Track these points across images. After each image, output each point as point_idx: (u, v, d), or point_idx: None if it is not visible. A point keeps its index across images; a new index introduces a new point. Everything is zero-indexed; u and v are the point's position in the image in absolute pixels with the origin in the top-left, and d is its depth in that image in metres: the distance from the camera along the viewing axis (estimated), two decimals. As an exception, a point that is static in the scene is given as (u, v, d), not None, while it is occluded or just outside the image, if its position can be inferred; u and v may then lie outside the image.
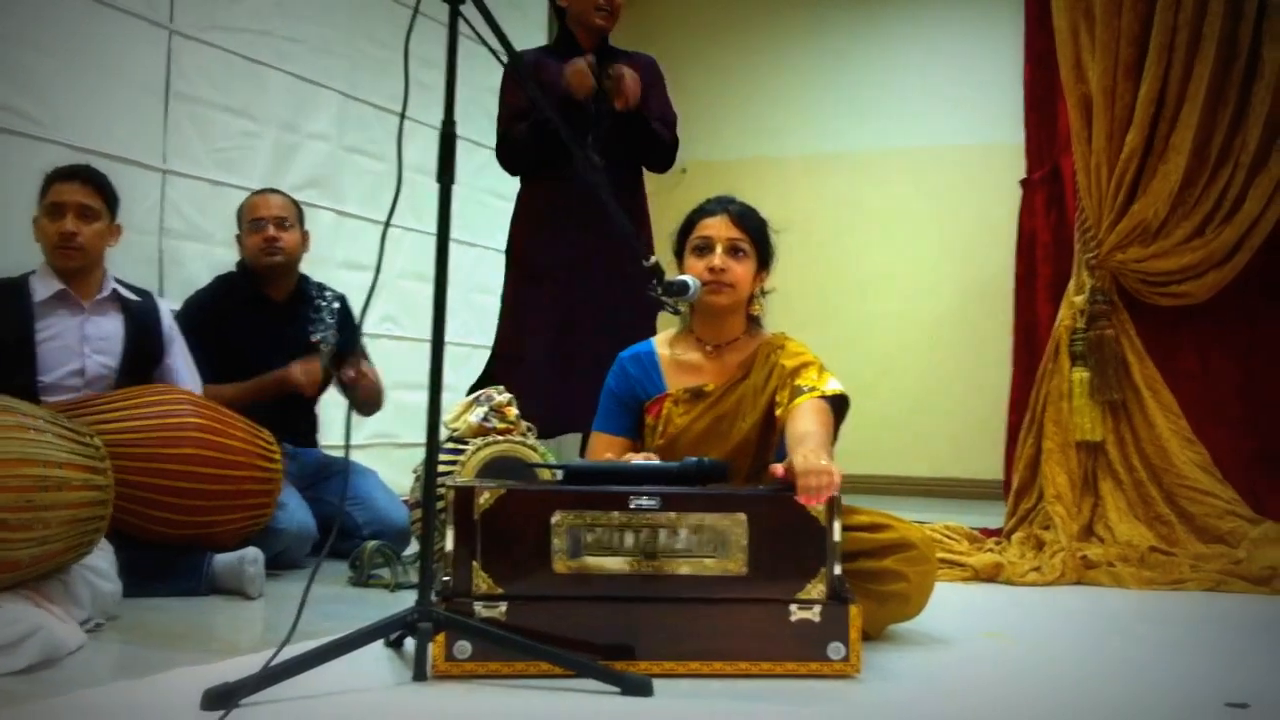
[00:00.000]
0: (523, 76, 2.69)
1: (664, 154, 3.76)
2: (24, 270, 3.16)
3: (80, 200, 3.08)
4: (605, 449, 2.69)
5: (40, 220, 3.11)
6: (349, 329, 3.69)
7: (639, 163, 3.79)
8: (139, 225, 4.09)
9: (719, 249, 2.62)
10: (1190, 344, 3.96)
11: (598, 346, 3.47)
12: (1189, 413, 3.86)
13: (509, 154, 3.74)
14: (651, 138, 3.68)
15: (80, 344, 3.10)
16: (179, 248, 4.27)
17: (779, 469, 2.22)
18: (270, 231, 3.65)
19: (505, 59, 2.30)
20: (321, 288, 3.70)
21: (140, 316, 3.23)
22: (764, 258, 2.70)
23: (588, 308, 3.63)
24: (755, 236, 2.67)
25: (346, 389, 3.61)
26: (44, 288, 3.10)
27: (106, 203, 3.15)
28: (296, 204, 3.83)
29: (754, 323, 2.76)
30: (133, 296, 3.25)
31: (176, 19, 4.26)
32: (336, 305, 3.63)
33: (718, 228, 2.65)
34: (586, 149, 3.36)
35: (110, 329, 3.16)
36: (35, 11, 3.74)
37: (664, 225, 2.79)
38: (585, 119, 3.54)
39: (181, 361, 3.31)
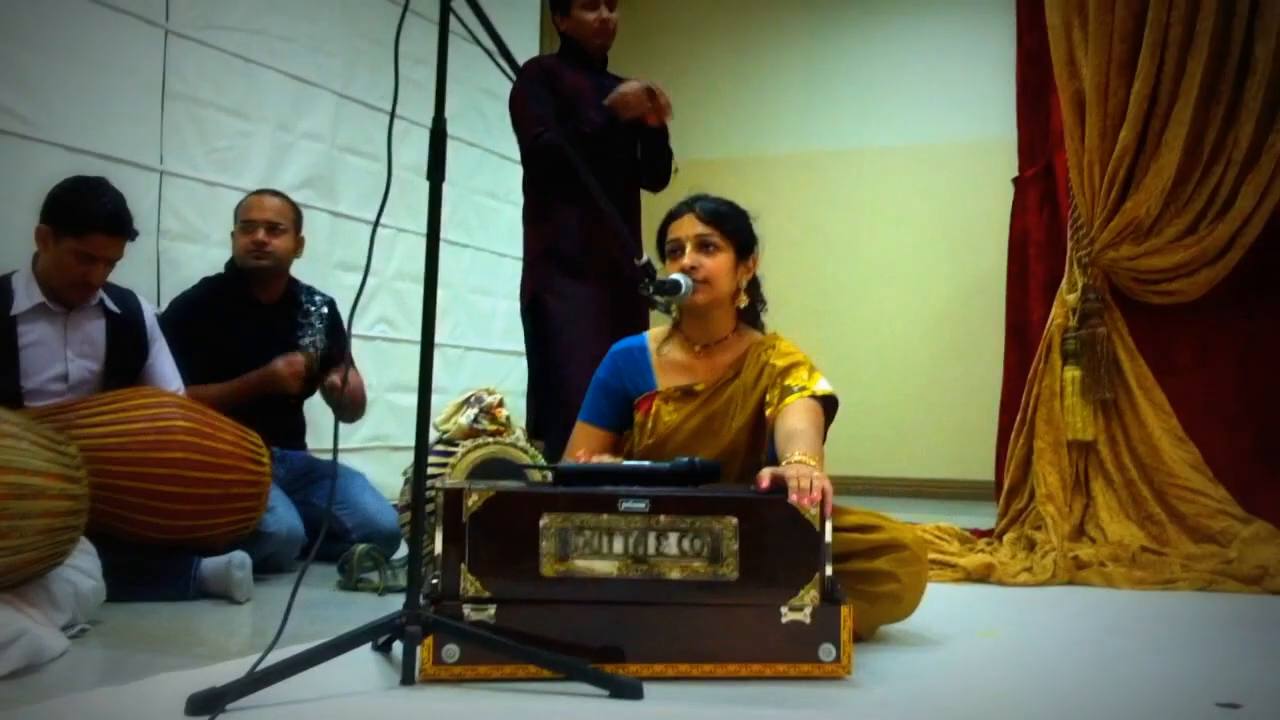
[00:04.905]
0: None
1: (666, 173, 3.72)
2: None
3: (114, 255, 3.03)
4: (586, 440, 2.67)
5: (62, 255, 2.95)
6: (337, 334, 3.67)
7: (639, 181, 3.74)
8: (137, 227, 4.06)
9: (688, 248, 2.62)
10: (1182, 342, 3.95)
11: None
12: (1180, 412, 3.85)
13: (546, 160, 3.44)
14: (667, 157, 3.64)
15: (63, 347, 3.04)
16: (175, 249, 4.24)
17: (764, 480, 2.18)
18: (260, 235, 3.62)
19: (497, 57, 2.27)
20: (311, 292, 3.68)
21: (124, 318, 3.17)
22: (742, 248, 2.67)
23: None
24: (726, 228, 2.65)
25: (329, 395, 3.58)
26: (26, 295, 3.00)
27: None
28: (295, 208, 3.78)
29: (746, 318, 2.74)
30: (115, 309, 3.16)
31: (173, 18, 4.23)
32: (325, 310, 3.61)
33: (685, 227, 2.65)
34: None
35: (93, 331, 3.10)
36: (30, 11, 3.70)
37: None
38: (619, 140, 3.51)
39: (165, 360, 3.26)
